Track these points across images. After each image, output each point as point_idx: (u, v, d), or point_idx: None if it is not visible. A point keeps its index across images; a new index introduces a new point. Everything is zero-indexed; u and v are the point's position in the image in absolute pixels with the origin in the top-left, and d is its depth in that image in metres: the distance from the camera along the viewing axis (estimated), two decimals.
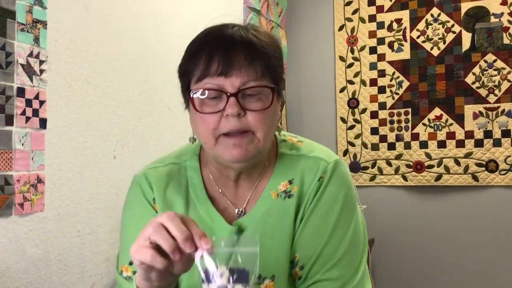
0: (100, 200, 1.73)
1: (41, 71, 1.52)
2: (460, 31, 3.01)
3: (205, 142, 0.96)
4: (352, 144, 3.25)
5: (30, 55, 1.48)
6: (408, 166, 3.11)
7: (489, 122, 2.93)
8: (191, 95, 0.94)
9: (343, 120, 3.28)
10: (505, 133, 2.90)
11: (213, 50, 0.92)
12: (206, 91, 0.92)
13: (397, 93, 3.14)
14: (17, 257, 1.44)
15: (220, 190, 1.05)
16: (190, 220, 0.76)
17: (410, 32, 3.13)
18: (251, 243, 0.76)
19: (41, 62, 1.52)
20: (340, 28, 3.31)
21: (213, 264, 0.74)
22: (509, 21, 2.90)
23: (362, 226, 1.05)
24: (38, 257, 1.51)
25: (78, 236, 1.65)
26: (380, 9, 3.21)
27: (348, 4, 3.29)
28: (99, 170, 1.74)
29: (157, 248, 0.73)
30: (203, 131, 0.95)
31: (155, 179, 1.06)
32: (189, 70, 0.96)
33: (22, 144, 1.46)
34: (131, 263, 1.01)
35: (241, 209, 1.03)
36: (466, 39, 2.99)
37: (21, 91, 1.46)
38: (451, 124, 3.01)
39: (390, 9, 3.18)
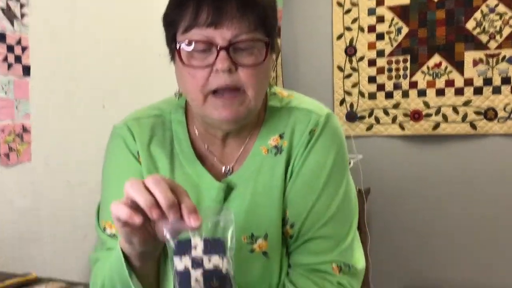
0: (90, 150, 1.68)
1: (22, 15, 1.44)
2: None
3: (192, 100, 0.90)
4: (349, 94, 3.19)
5: None
6: (405, 115, 3.06)
7: (489, 69, 2.86)
8: (178, 47, 0.87)
9: (340, 68, 3.21)
10: (505, 80, 2.84)
11: None
12: (194, 43, 0.85)
13: (395, 40, 3.05)
14: (4, 208, 1.41)
15: (206, 147, 0.99)
16: (181, 190, 0.70)
17: None
18: (224, 212, 0.72)
19: (22, 6, 1.44)
20: None
21: (186, 236, 0.69)
22: None
23: (353, 185, 1.01)
24: (27, 208, 1.47)
25: (68, 187, 1.61)
26: None
27: None
28: (87, 120, 1.68)
29: (136, 206, 0.68)
30: (191, 87, 0.88)
31: (138, 131, 0.99)
32: (175, 19, 0.88)
33: (5, 92, 1.40)
34: None
35: (228, 167, 0.98)
36: None
37: (1, 37, 1.38)
38: (450, 72, 2.94)
39: None
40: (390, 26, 3.07)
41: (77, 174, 1.64)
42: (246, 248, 0.93)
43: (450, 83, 2.95)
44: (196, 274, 0.67)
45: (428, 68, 2.99)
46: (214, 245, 0.68)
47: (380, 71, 3.10)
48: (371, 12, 3.11)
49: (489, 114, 2.87)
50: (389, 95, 3.09)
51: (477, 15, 2.87)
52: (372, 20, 3.11)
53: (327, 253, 0.92)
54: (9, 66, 1.41)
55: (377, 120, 3.14)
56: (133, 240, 0.73)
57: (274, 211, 0.93)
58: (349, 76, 3.19)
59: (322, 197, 0.93)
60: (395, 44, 3.06)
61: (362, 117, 3.17)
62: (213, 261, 0.68)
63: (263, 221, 0.93)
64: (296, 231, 0.94)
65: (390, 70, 3.08)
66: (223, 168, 0.98)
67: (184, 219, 0.68)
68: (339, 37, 3.20)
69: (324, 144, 0.95)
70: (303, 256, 0.94)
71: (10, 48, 1.41)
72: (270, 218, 0.93)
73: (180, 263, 0.68)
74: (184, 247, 0.68)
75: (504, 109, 2.84)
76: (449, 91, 2.95)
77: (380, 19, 3.09)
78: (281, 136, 0.97)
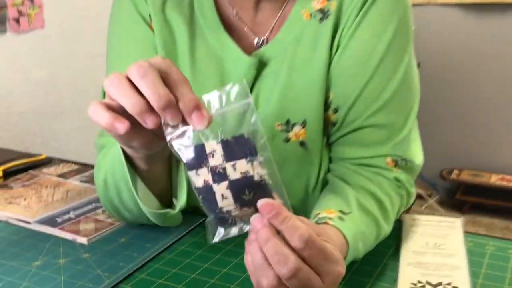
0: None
1: None
2: None
3: None
4: None
5: None
6: None
7: None
8: None
9: None
10: None
11: None
12: None
13: None
14: (20, 80, 1.29)
15: (235, 13, 0.80)
16: (176, 77, 0.51)
17: None
18: (239, 96, 0.51)
19: None
20: None
21: (198, 140, 0.50)
22: None
23: (415, 64, 0.81)
24: (45, 79, 1.35)
25: (89, 58, 1.47)
26: None
27: None
28: None
29: (122, 108, 0.51)
30: None
31: None
32: None
33: None
34: None
35: (262, 39, 0.79)
36: None
37: None
38: None
39: None
40: None
41: (97, 44, 1.48)
42: (280, 137, 0.78)
43: None
44: (221, 189, 0.50)
45: None
46: (236, 146, 0.50)
47: None
48: None
49: None
50: None
51: None
52: None
53: (380, 145, 0.76)
54: None
55: None
56: (132, 144, 0.57)
57: (315, 92, 0.76)
58: None
59: (375, 77, 0.75)
60: None
61: None
62: (239, 168, 0.50)
63: (301, 104, 0.77)
64: (340, 117, 0.77)
65: None
66: (256, 39, 0.80)
67: (187, 120, 0.50)
68: None
69: (383, 8, 0.75)
70: (350, 148, 0.78)
71: None
72: (310, 101, 0.76)
73: (198, 178, 0.50)
74: (198, 157, 0.50)
75: None
76: None
77: None
78: None
